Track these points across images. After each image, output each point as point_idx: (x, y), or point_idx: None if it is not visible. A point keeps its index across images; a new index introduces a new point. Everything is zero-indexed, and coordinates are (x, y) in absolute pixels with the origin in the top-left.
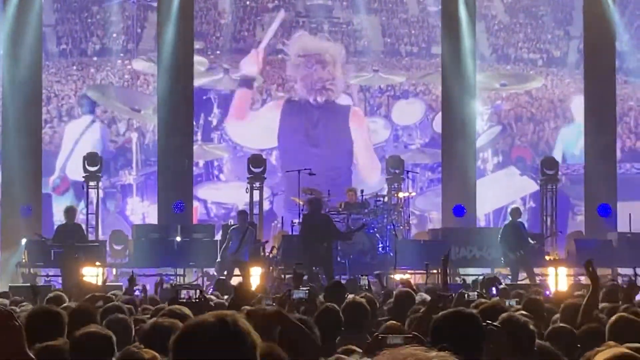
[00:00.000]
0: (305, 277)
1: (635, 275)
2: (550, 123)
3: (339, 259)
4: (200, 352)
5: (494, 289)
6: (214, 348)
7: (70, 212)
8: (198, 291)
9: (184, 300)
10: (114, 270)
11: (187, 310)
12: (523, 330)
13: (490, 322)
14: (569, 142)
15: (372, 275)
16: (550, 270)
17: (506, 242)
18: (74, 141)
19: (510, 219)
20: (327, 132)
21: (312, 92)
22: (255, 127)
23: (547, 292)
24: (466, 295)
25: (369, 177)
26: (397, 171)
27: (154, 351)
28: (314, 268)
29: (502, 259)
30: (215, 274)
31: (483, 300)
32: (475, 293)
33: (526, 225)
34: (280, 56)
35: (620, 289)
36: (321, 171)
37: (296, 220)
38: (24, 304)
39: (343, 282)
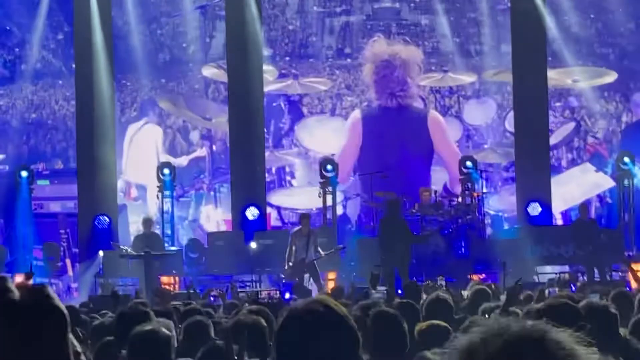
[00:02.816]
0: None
1: None
2: (622, 117)
3: (414, 261)
4: (307, 335)
5: (572, 286)
6: (320, 332)
7: (147, 222)
8: (277, 292)
9: (264, 301)
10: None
11: (267, 310)
12: (605, 315)
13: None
14: None
15: (448, 277)
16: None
17: (575, 239)
18: (128, 141)
19: (580, 215)
20: (402, 135)
21: (386, 96)
22: (327, 132)
23: (629, 287)
24: (546, 291)
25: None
26: (470, 171)
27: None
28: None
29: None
30: (284, 279)
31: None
32: (556, 290)
33: (603, 221)
34: (350, 60)
35: None
36: (396, 174)
37: (371, 225)
38: (104, 311)
39: (420, 284)
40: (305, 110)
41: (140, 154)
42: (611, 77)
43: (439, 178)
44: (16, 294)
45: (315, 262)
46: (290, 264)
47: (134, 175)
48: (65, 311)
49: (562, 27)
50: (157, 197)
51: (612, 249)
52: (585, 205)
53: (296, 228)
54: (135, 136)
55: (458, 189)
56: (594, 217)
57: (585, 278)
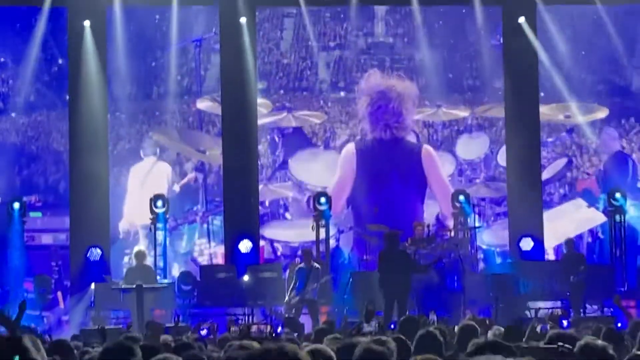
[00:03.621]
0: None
1: None
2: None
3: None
4: None
5: (564, 321)
6: None
7: (139, 254)
8: (269, 327)
9: (255, 336)
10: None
11: (256, 345)
12: (602, 355)
13: (563, 344)
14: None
15: (440, 311)
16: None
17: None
18: (140, 183)
19: (566, 250)
20: (396, 169)
21: (381, 128)
22: (321, 165)
23: (619, 324)
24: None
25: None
26: (463, 205)
27: None
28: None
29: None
30: (283, 313)
31: (559, 331)
32: (547, 325)
33: (595, 257)
34: (344, 93)
35: None
36: (389, 207)
37: (368, 257)
38: (95, 344)
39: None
40: (299, 143)
41: (151, 194)
42: (603, 112)
43: (432, 212)
44: None
45: (314, 298)
46: (291, 297)
47: (140, 217)
48: None
49: (554, 63)
50: (150, 230)
51: (604, 284)
52: (571, 240)
53: (299, 263)
54: (148, 177)
55: (449, 223)
56: (582, 251)
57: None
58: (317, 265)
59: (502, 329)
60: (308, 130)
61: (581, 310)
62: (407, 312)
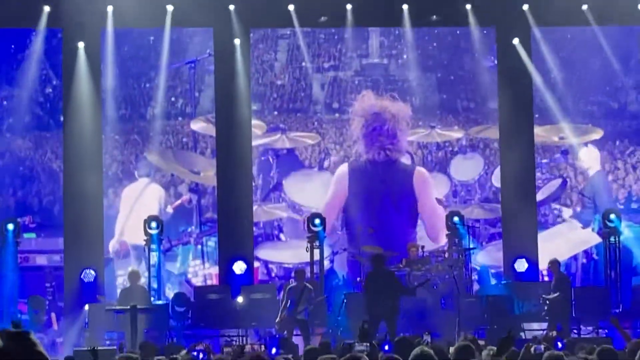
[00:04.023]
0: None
1: None
2: (609, 175)
3: (401, 315)
4: None
5: (559, 342)
6: None
7: (133, 275)
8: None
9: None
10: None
11: None
12: None
13: None
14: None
15: (435, 332)
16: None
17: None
18: (133, 204)
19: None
20: (390, 190)
21: (375, 150)
22: (315, 187)
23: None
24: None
25: (439, 237)
26: (457, 226)
27: None
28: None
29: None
30: (275, 333)
31: (554, 353)
32: (542, 346)
33: (590, 277)
34: (338, 114)
35: None
36: (383, 229)
37: (361, 279)
38: None
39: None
40: (293, 164)
41: (142, 216)
42: (597, 134)
43: (425, 233)
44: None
45: (306, 319)
46: (282, 317)
47: (133, 237)
48: (49, 357)
49: (548, 85)
50: (144, 251)
51: (599, 306)
52: (556, 261)
53: (291, 283)
54: (140, 198)
55: (438, 245)
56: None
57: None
58: (309, 285)
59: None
60: (302, 151)
61: (571, 331)
62: (398, 333)
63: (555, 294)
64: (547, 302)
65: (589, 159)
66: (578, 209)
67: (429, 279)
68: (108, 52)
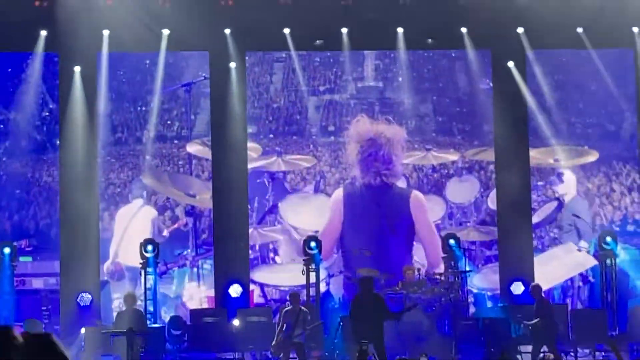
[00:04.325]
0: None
1: None
2: (602, 198)
3: (398, 338)
4: None
5: None
6: None
7: (129, 298)
8: None
9: None
10: None
11: None
12: None
13: None
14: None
15: (431, 355)
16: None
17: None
18: (128, 227)
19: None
20: (385, 213)
21: (371, 174)
22: (311, 209)
23: None
24: None
25: (435, 260)
26: (453, 249)
27: None
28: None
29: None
30: (271, 357)
31: None
32: None
33: (587, 301)
34: (334, 137)
35: None
36: (379, 252)
37: None
38: None
39: None
40: (288, 187)
41: (136, 237)
42: (593, 156)
43: (422, 256)
44: (20, 340)
45: (302, 342)
46: (278, 340)
47: (127, 258)
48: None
49: (544, 107)
50: (140, 274)
51: (595, 328)
52: (537, 286)
53: (286, 306)
54: (133, 219)
55: (436, 270)
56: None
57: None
58: (305, 309)
59: None
60: (297, 174)
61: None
62: (395, 356)
63: (536, 320)
64: (530, 327)
65: (566, 185)
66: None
67: (417, 304)
68: (104, 76)
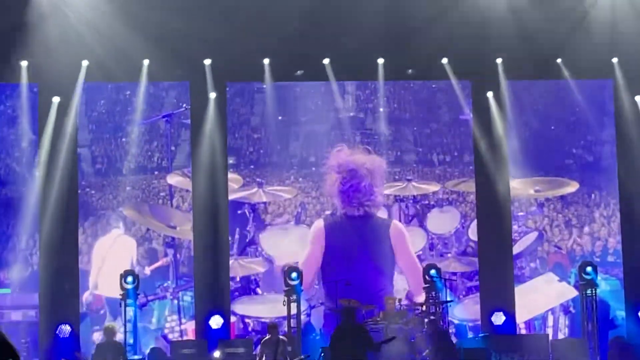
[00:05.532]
0: None
1: None
2: (585, 228)
3: None
4: None
5: None
6: None
7: (109, 330)
8: None
9: None
10: None
11: None
12: None
13: None
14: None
15: None
16: None
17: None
18: (106, 257)
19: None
20: (366, 244)
21: (353, 206)
22: (292, 241)
23: None
24: None
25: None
26: (434, 279)
27: None
28: None
29: None
30: None
31: None
32: None
33: (567, 332)
34: (314, 168)
35: None
36: (360, 283)
37: None
38: None
39: None
40: (269, 218)
41: (114, 268)
42: (573, 187)
43: (403, 286)
44: None
45: None
46: None
47: (106, 290)
48: None
49: (523, 137)
50: (120, 305)
51: (577, 358)
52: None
53: (266, 337)
54: (111, 249)
55: (418, 299)
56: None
57: None
58: (283, 337)
59: None
60: (278, 205)
61: None
62: None
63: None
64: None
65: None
66: (532, 265)
67: (395, 337)
68: (83, 107)
